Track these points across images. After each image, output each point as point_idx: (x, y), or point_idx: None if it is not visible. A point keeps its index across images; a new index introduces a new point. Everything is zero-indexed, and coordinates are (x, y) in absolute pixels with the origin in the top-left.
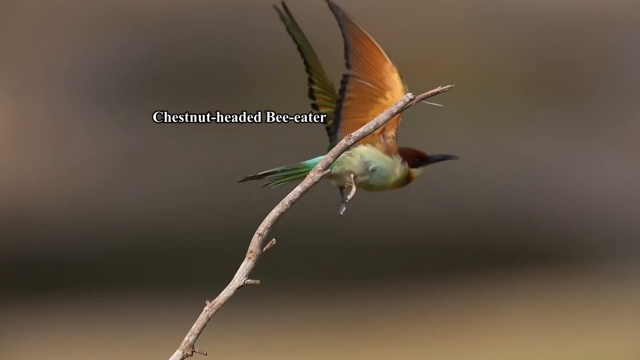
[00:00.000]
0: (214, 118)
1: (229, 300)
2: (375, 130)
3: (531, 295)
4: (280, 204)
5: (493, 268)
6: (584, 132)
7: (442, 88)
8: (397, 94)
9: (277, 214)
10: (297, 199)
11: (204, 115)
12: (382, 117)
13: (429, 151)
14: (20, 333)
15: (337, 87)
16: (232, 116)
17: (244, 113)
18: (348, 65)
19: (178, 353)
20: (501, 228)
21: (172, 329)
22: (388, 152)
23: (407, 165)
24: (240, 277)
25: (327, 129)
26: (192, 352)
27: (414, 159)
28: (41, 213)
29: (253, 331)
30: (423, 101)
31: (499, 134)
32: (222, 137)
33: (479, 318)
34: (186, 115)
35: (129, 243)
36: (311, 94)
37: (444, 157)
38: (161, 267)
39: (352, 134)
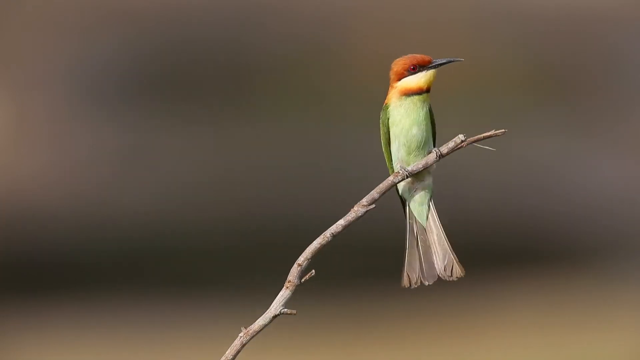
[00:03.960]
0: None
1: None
2: (423, 169)
3: (531, 295)
4: (322, 236)
5: (493, 268)
6: (583, 132)
7: (495, 132)
8: None
9: (318, 246)
10: (339, 232)
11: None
12: (431, 157)
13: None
14: (20, 333)
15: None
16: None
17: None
18: None
19: None
20: (501, 228)
21: (172, 329)
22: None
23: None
24: (277, 306)
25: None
26: None
27: (409, 70)
28: (41, 212)
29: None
30: (475, 144)
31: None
32: (222, 137)
33: (479, 318)
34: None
35: (129, 242)
36: None
37: (449, 61)
38: (162, 266)
39: (399, 171)
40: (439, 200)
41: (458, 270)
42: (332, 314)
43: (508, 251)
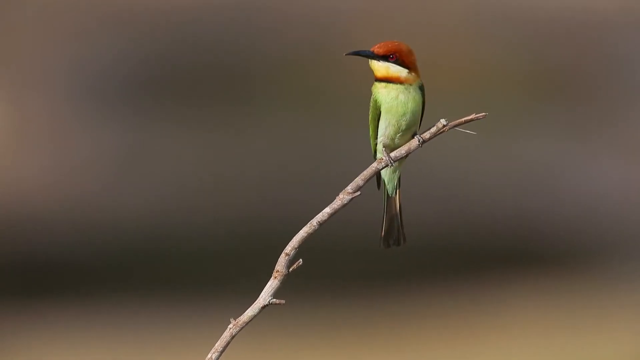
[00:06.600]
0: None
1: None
2: (407, 155)
3: (531, 297)
4: (308, 225)
5: (494, 269)
6: (584, 134)
7: (476, 116)
8: None
9: (305, 234)
10: (325, 220)
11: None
12: (413, 144)
13: (433, 153)
14: (20, 334)
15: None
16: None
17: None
18: None
19: None
20: (502, 230)
21: (172, 329)
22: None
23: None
24: (265, 296)
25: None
26: None
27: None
28: (41, 214)
29: (257, 332)
30: (456, 128)
31: (499, 136)
32: (223, 138)
33: (479, 319)
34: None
35: (130, 244)
36: None
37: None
38: (162, 268)
39: (383, 157)
40: (439, 202)
41: (401, 240)
42: (332, 315)
43: (508, 253)
